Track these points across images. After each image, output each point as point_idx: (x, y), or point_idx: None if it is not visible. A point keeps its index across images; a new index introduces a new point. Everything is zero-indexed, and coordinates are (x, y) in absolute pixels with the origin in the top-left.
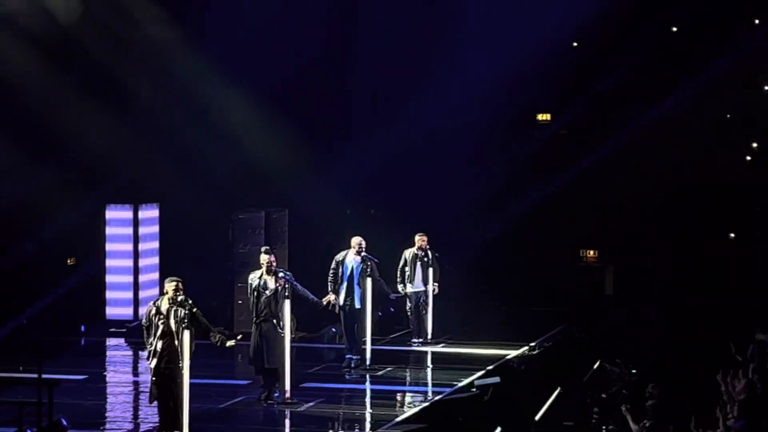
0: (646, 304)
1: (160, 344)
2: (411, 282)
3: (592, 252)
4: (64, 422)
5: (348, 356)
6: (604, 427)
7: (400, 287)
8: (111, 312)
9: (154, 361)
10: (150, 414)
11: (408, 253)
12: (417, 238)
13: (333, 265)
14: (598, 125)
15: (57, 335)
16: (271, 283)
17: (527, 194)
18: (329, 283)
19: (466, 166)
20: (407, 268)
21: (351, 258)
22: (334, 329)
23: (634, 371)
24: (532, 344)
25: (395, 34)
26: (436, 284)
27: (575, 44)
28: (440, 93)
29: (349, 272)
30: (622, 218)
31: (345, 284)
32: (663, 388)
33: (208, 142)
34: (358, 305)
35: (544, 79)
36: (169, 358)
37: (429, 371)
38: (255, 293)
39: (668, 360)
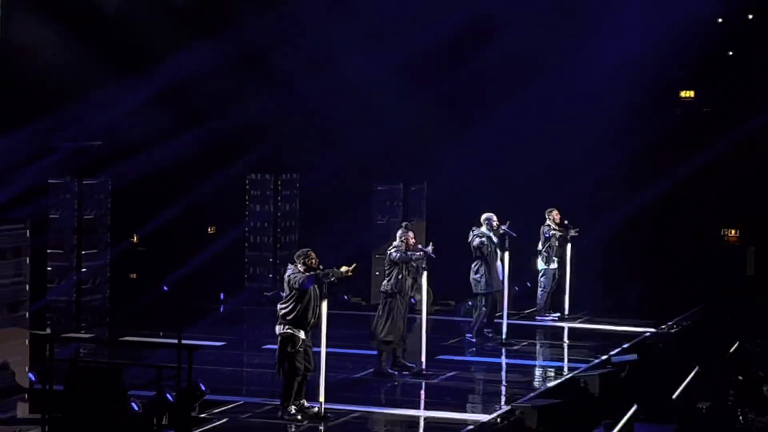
0: None
1: (299, 314)
2: (554, 258)
3: (733, 231)
4: (203, 387)
5: (469, 336)
6: (739, 410)
7: (549, 263)
8: (250, 281)
9: (291, 329)
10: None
11: (547, 229)
12: (554, 213)
13: (479, 243)
14: (742, 102)
15: (197, 302)
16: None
17: (669, 171)
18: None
19: (607, 144)
20: (549, 244)
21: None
22: (470, 302)
23: None
24: (671, 323)
25: (535, 7)
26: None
27: (720, 20)
28: (581, 68)
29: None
30: (766, 197)
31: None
32: None
33: (349, 114)
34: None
35: (687, 56)
36: (305, 327)
37: (565, 347)
38: (395, 267)
39: None
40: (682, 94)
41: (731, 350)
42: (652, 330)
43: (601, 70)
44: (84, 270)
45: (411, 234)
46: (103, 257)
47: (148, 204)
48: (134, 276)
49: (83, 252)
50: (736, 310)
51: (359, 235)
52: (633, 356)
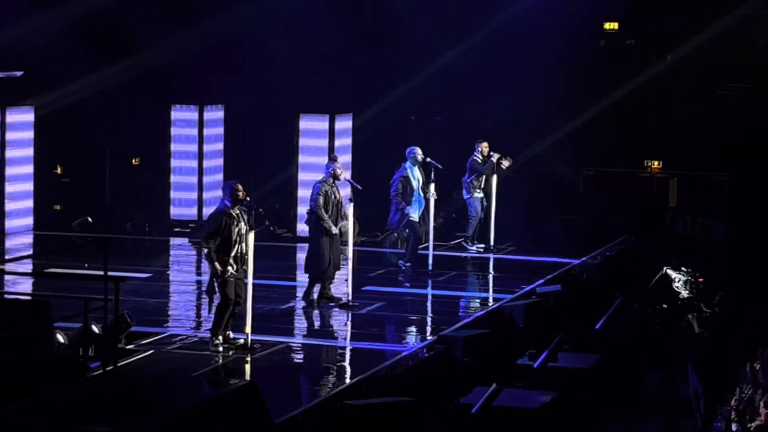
0: (708, 216)
1: (228, 247)
2: (478, 188)
3: (656, 162)
4: (129, 318)
5: (402, 262)
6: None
7: (472, 193)
8: (175, 212)
9: (221, 264)
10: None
11: (478, 159)
12: (483, 145)
13: (399, 187)
14: (666, 35)
15: (122, 233)
16: (337, 191)
17: (592, 103)
18: (397, 203)
19: (532, 75)
20: (475, 175)
21: (415, 170)
22: (395, 234)
23: (701, 279)
24: (595, 253)
25: None
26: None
27: None
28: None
29: (416, 184)
30: (687, 129)
31: (414, 197)
32: (731, 297)
33: (275, 47)
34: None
35: None
36: (235, 260)
37: (491, 278)
38: (324, 200)
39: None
40: (606, 26)
41: (654, 280)
42: (576, 261)
43: (526, 1)
44: (8, 200)
45: (339, 165)
46: (27, 188)
47: (72, 135)
48: (59, 207)
49: (6, 183)
50: (659, 240)
51: (285, 167)
52: (557, 287)
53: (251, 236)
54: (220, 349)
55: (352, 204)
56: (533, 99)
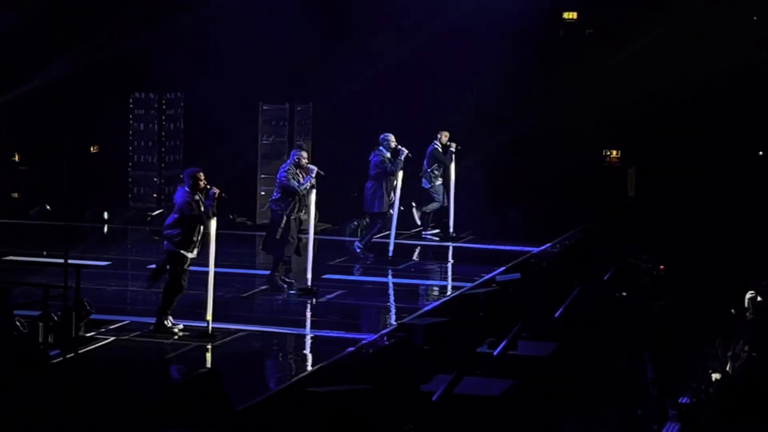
0: (667, 204)
1: (189, 234)
2: (438, 176)
3: (615, 152)
4: (89, 306)
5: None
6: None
7: (432, 181)
8: (134, 200)
9: (178, 248)
10: None
11: (439, 148)
12: (443, 134)
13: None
14: (624, 24)
15: (80, 222)
16: (302, 178)
17: (551, 93)
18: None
19: (490, 64)
20: (435, 164)
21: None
22: (355, 222)
23: (662, 267)
24: (554, 242)
25: None
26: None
27: None
28: None
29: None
30: (646, 119)
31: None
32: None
33: (235, 33)
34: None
35: None
36: (192, 246)
37: (450, 266)
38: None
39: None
40: (565, 15)
41: (614, 268)
42: (536, 249)
43: None
44: None
45: (304, 154)
46: None
47: (30, 123)
48: (16, 195)
49: None
50: (617, 229)
51: (245, 155)
52: (516, 275)
53: (213, 224)
54: (176, 330)
55: (314, 191)
56: (492, 88)
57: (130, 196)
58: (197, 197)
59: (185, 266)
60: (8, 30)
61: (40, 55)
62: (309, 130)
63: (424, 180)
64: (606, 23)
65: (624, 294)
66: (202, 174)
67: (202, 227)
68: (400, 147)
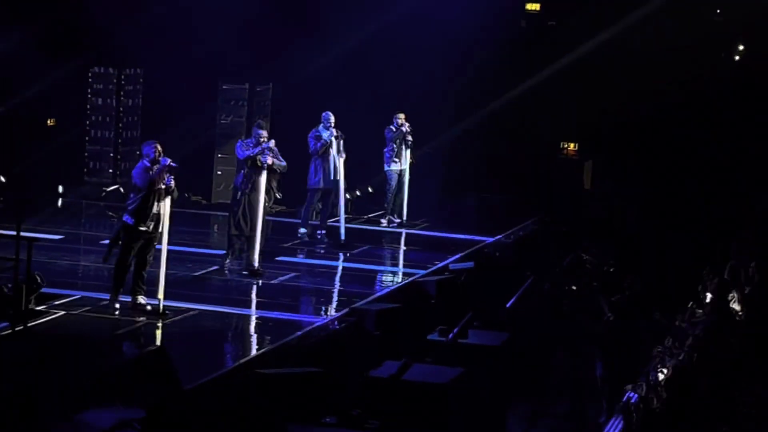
0: (622, 199)
1: (145, 205)
2: (398, 160)
3: (572, 145)
4: (40, 279)
5: (302, 231)
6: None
7: (389, 165)
8: (90, 174)
9: (135, 219)
10: None
11: (392, 129)
12: (401, 116)
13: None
14: (588, 17)
15: (35, 195)
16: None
17: (511, 83)
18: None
19: (451, 53)
20: (394, 146)
21: (326, 134)
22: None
23: (611, 263)
24: (508, 232)
25: None
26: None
27: None
28: None
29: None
30: (604, 112)
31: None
32: (641, 281)
33: (196, 12)
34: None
35: None
36: (147, 220)
37: (403, 253)
38: (250, 164)
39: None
40: (528, 6)
41: (566, 261)
42: (490, 239)
43: None
44: None
45: (264, 132)
46: None
47: None
48: None
49: None
50: (572, 222)
51: (203, 133)
52: (469, 264)
53: (168, 200)
54: (116, 314)
55: (265, 173)
56: (453, 77)
57: (85, 170)
58: (155, 169)
59: (137, 239)
60: None
61: None
62: (268, 110)
63: (384, 163)
64: (568, 15)
65: (574, 288)
66: (159, 146)
67: (156, 201)
68: (332, 128)
